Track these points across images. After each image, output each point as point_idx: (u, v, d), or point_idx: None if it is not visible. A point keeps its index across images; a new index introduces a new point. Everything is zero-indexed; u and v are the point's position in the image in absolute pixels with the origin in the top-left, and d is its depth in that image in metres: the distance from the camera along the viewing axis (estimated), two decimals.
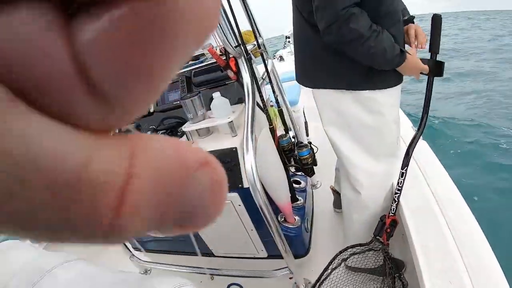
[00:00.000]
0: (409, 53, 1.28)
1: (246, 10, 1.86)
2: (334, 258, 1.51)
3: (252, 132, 1.36)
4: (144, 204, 0.10)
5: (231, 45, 1.46)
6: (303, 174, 2.01)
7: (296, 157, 1.78)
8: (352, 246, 1.53)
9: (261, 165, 1.38)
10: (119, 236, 0.10)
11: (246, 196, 1.49)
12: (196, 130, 1.62)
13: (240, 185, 1.48)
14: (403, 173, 1.42)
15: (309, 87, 1.59)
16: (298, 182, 2.05)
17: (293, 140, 1.89)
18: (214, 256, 1.93)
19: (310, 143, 1.79)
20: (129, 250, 2.31)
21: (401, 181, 1.43)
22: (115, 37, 0.09)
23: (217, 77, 1.74)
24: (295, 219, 1.74)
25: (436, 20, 1.30)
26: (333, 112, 1.51)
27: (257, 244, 1.71)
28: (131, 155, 0.10)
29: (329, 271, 1.48)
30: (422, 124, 1.39)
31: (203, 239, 1.81)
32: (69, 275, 1.10)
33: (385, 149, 1.50)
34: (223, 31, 1.43)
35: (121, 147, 0.10)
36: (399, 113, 1.51)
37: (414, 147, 1.41)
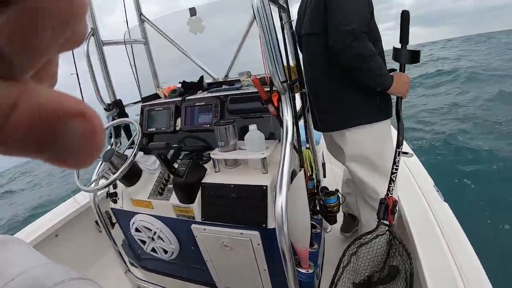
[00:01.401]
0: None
1: (294, 44, 1.85)
2: (343, 255, 1.58)
3: (288, 173, 1.33)
4: (21, 131, 0.13)
5: (279, 80, 1.44)
6: (318, 217, 1.97)
7: (321, 202, 1.73)
8: (359, 237, 1.61)
9: (290, 207, 1.33)
10: (4, 145, 0.14)
11: (268, 237, 1.44)
12: (225, 159, 1.58)
13: (264, 225, 1.42)
14: (398, 151, 1.60)
15: (331, 131, 1.90)
16: (314, 226, 1.99)
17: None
18: (215, 287, 1.85)
19: (337, 190, 1.75)
20: (126, 264, 2.24)
21: (397, 161, 1.60)
22: (8, 23, 0.13)
23: (254, 108, 1.71)
24: (309, 265, 1.68)
25: (405, 15, 1.52)
26: (355, 149, 1.83)
27: (266, 284, 1.65)
28: (19, 95, 0.14)
29: (340, 270, 1.56)
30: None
31: (209, 268, 1.75)
32: None
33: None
34: (274, 63, 1.40)
35: (13, 89, 0.14)
36: None
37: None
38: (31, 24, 0.13)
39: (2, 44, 0.13)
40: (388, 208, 1.58)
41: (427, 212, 1.71)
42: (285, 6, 1.76)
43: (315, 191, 1.81)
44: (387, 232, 1.59)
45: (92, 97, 2.02)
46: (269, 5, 1.38)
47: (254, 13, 1.35)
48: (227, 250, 1.56)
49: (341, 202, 1.76)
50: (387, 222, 1.58)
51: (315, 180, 1.81)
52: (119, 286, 2.44)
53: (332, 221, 1.77)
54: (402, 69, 1.64)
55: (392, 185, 1.60)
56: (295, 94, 1.70)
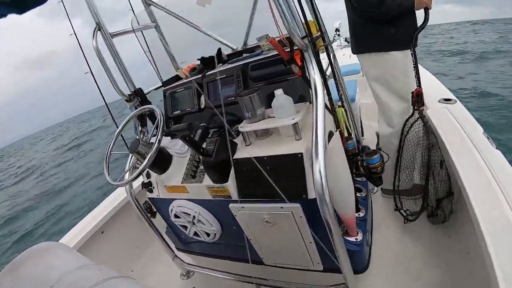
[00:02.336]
0: None
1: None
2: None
3: (322, 136, 1.21)
4: None
5: (298, 36, 1.30)
6: (363, 179, 1.85)
7: (363, 164, 1.61)
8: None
9: (329, 173, 1.22)
10: None
11: (310, 208, 1.35)
12: (254, 131, 1.48)
13: (304, 196, 1.33)
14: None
15: (358, 53, 2.17)
16: (359, 190, 1.88)
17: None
18: (263, 264, 1.80)
19: (379, 149, 1.61)
20: (172, 250, 2.24)
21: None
22: None
23: (278, 72, 1.60)
24: (357, 232, 1.58)
25: None
26: (376, 70, 2.11)
27: (313, 256, 1.58)
28: None
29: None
30: None
31: (254, 246, 1.70)
32: None
33: (406, 93, 2.05)
34: (288, 20, 1.27)
35: None
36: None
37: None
38: None
39: None
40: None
41: (478, 161, 1.55)
42: None
43: (356, 151, 1.69)
44: (419, 117, 1.96)
45: (111, 91, 1.98)
46: None
47: None
48: (269, 226, 1.49)
49: (385, 161, 1.63)
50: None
51: (354, 140, 1.68)
52: (169, 273, 2.48)
53: (378, 182, 1.65)
54: None
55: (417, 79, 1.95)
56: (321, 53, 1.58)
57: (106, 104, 2.10)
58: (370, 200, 1.94)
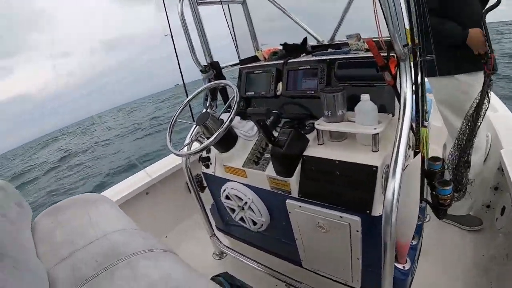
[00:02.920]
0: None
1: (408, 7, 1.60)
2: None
3: (404, 155, 1.13)
4: None
5: (400, 43, 1.22)
6: (422, 205, 1.74)
7: (432, 191, 1.51)
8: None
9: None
10: None
11: (369, 225, 1.29)
12: (330, 131, 1.42)
13: (368, 211, 1.26)
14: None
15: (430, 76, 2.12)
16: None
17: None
18: (300, 266, 1.76)
19: (452, 180, 1.50)
20: (212, 229, 2.25)
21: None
22: None
23: (366, 76, 1.51)
24: (406, 260, 1.49)
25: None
26: (443, 94, 2.13)
27: (355, 273, 1.51)
28: None
29: None
30: None
31: (297, 246, 1.66)
32: (145, 270, 1.02)
33: None
34: (394, 23, 1.19)
35: None
36: None
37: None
38: None
39: None
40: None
41: None
42: None
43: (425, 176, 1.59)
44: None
45: (187, 58, 1.98)
46: None
47: None
48: (321, 232, 1.44)
49: (455, 195, 1.52)
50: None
51: (440, 162, 1.58)
52: (203, 248, 2.51)
53: (442, 214, 1.54)
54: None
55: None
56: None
57: (180, 71, 2.11)
58: (422, 228, 1.84)
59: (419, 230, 1.72)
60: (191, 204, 2.19)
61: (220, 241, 2.27)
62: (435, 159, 1.56)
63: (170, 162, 2.79)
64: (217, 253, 2.39)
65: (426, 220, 2.30)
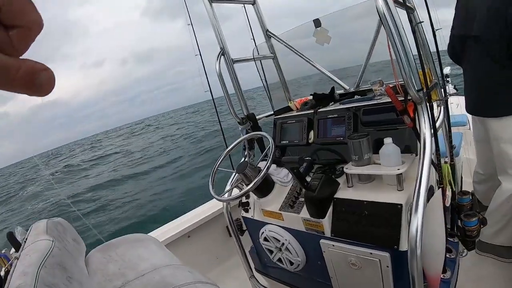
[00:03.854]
0: None
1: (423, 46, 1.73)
2: None
3: (425, 192, 1.24)
4: (22, 80, 0.27)
5: (414, 88, 1.36)
6: (455, 240, 1.78)
7: (459, 224, 1.58)
8: None
9: (424, 229, 1.24)
10: (13, 88, 0.28)
11: (398, 260, 1.37)
12: (358, 174, 1.55)
13: (395, 246, 1.35)
14: None
15: (489, 116, 2.14)
16: (449, 250, 1.81)
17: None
18: None
19: (479, 212, 1.57)
20: (251, 270, 2.34)
21: None
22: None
23: (388, 120, 1.64)
24: None
25: None
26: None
27: None
28: (20, 63, 0.28)
29: None
30: None
31: (332, 285, 1.72)
32: None
33: None
34: (406, 71, 1.33)
35: (18, 60, 0.28)
36: None
37: None
38: (27, 32, 0.28)
39: (15, 43, 0.27)
40: None
41: None
42: (412, 7, 1.67)
43: (454, 209, 1.66)
44: None
45: (225, 112, 2.16)
46: (395, 8, 1.33)
47: (380, 18, 1.31)
48: (354, 269, 1.52)
49: (482, 226, 1.58)
50: None
51: (469, 196, 1.65)
52: None
53: (470, 246, 1.60)
54: None
55: None
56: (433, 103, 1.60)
57: (220, 125, 2.31)
58: (458, 262, 1.86)
59: (452, 265, 1.75)
60: (231, 247, 2.29)
61: (259, 282, 2.35)
62: (464, 193, 1.63)
63: (211, 207, 2.95)
64: None
65: (464, 254, 2.30)
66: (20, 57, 0.28)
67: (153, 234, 2.72)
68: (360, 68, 2.23)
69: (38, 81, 0.28)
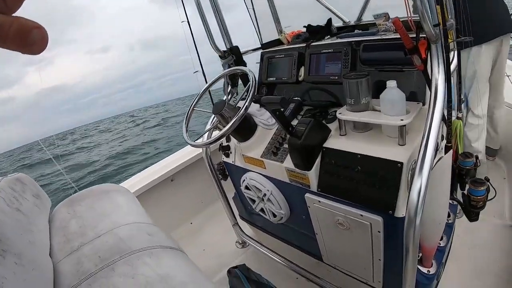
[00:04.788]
0: None
1: None
2: None
3: (433, 151, 1.03)
4: (15, 36, 0.27)
5: (431, 23, 1.10)
6: (453, 202, 1.62)
7: (463, 191, 1.40)
8: None
9: (427, 194, 1.05)
10: (6, 44, 0.27)
11: (392, 226, 1.21)
12: (353, 121, 1.33)
13: (390, 211, 1.17)
14: None
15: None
16: (448, 215, 1.66)
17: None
18: (321, 261, 1.71)
19: (488, 179, 1.38)
20: (234, 217, 2.24)
21: None
22: None
23: (394, 59, 1.38)
24: (432, 263, 1.40)
25: None
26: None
27: (376, 274, 1.44)
28: (13, 20, 0.27)
29: None
30: None
31: (317, 240, 1.60)
32: (146, 267, 1.00)
33: None
34: (422, 1, 1.07)
35: (10, 17, 0.27)
36: None
37: None
38: None
39: (8, 3, 0.28)
40: None
41: None
42: None
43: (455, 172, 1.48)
44: None
45: (205, 43, 1.93)
46: None
47: None
48: (341, 229, 1.37)
49: (488, 198, 1.40)
50: None
51: (473, 159, 1.46)
52: (225, 237, 2.54)
53: (473, 217, 1.42)
54: None
55: None
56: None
57: (199, 57, 2.07)
58: (454, 227, 1.73)
59: (449, 230, 1.62)
60: (215, 192, 2.18)
61: (243, 231, 2.26)
62: (466, 155, 1.44)
63: (195, 149, 2.79)
64: (240, 242, 2.39)
65: (459, 216, 2.18)
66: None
67: (135, 178, 2.63)
68: None
69: (30, 39, 0.28)
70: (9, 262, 0.86)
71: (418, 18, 1.09)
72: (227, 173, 2.03)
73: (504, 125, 2.61)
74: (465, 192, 1.39)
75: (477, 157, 1.46)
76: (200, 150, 2.70)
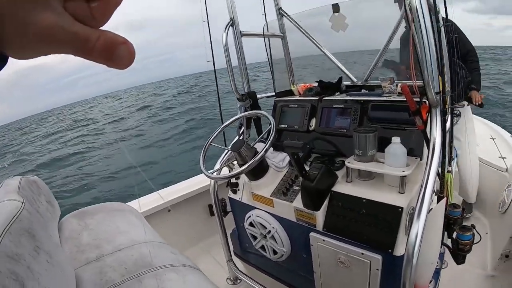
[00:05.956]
0: None
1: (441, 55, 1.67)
2: None
3: (429, 199, 1.19)
4: (101, 50, 0.28)
5: (434, 91, 1.30)
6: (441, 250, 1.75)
7: (452, 236, 1.54)
8: None
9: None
10: (93, 57, 0.29)
11: (391, 264, 1.33)
12: (359, 170, 1.49)
13: (390, 250, 1.30)
14: None
15: None
16: None
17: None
18: None
19: (474, 226, 1.52)
20: (230, 253, 2.30)
21: None
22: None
23: (399, 119, 1.58)
24: None
25: None
26: None
27: None
28: (100, 33, 0.28)
29: None
30: None
31: (315, 280, 1.68)
32: (172, 283, 1.07)
33: None
34: (429, 71, 1.27)
35: (98, 31, 0.29)
36: None
37: None
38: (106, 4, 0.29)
39: (96, 14, 0.29)
40: None
41: None
42: (438, 9, 1.60)
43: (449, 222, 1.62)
44: None
45: (225, 86, 2.09)
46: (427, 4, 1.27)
47: (406, 13, 1.25)
48: (341, 267, 1.47)
49: (474, 242, 1.54)
50: None
51: (460, 210, 1.61)
52: (219, 272, 2.54)
53: (461, 260, 1.55)
54: None
55: None
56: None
57: (218, 98, 2.23)
58: (440, 274, 1.84)
59: (436, 276, 1.72)
60: (211, 227, 2.23)
61: (237, 267, 2.31)
62: (455, 206, 1.59)
63: (196, 182, 2.87)
64: (232, 279, 2.42)
65: (444, 266, 2.29)
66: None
67: (132, 204, 2.63)
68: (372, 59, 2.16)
69: (117, 54, 0.29)
70: (43, 260, 0.91)
71: (422, 84, 1.28)
72: (228, 209, 2.12)
73: (479, 180, 2.81)
74: (454, 237, 1.52)
75: (463, 209, 1.61)
76: (198, 186, 2.79)
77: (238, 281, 2.41)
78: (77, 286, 1.06)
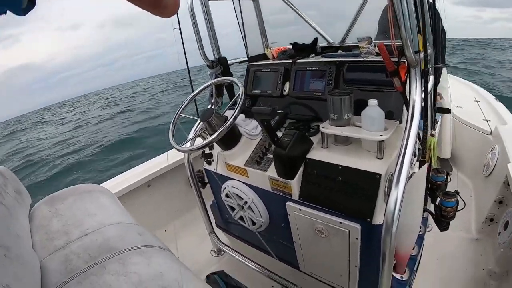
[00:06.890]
0: None
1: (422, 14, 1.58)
2: None
3: (409, 164, 1.12)
4: None
5: (412, 49, 1.21)
6: (424, 215, 1.73)
7: (435, 202, 1.50)
8: None
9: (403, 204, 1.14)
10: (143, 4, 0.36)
11: (369, 233, 1.28)
12: (335, 135, 1.41)
13: (368, 219, 1.25)
14: None
15: None
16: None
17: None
18: (298, 269, 1.76)
19: (458, 192, 1.48)
20: (211, 225, 2.26)
21: None
22: None
23: (375, 80, 1.49)
24: (405, 270, 1.49)
25: None
26: None
27: (352, 280, 1.51)
28: None
29: None
30: None
31: (295, 249, 1.65)
32: (137, 266, 1.01)
33: None
34: (407, 28, 1.17)
35: None
36: None
37: None
38: None
39: None
40: None
41: None
42: None
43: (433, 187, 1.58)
44: None
45: (195, 53, 1.98)
46: None
47: None
48: (320, 236, 1.43)
49: (458, 209, 1.51)
50: None
51: (444, 175, 1.57)
52: (202, 244, 2.54)
53: (444, 227, 1.52)
54: None
55: None
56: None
57: (187, 65, 2.11)
58: (424, 239, 1.83)
59: (420, 241, 1.71)
60: (192, 200, 2.19)
61: (219, 239, 2.27)
62: (438, 171, 1.54)
63: (174, 155, 2.80)
64: (215, 250, 2.40)
65: (428, 230, 2.29)
66: None
67: (111, 181, 2.59)
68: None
69: (164, 2, 0.32)
70: None
71: (401, 44, 1.19)
72: (206, 181, 2.06)
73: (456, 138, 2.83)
74: (437, 203, 1.48)
75: (447, 174, 1.57)
76: (177, 158, 2.72)
77: (222, 252, 2.38)
78: (42, 277, 1.00)
